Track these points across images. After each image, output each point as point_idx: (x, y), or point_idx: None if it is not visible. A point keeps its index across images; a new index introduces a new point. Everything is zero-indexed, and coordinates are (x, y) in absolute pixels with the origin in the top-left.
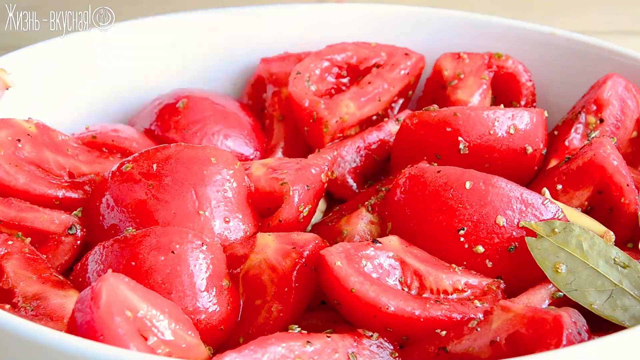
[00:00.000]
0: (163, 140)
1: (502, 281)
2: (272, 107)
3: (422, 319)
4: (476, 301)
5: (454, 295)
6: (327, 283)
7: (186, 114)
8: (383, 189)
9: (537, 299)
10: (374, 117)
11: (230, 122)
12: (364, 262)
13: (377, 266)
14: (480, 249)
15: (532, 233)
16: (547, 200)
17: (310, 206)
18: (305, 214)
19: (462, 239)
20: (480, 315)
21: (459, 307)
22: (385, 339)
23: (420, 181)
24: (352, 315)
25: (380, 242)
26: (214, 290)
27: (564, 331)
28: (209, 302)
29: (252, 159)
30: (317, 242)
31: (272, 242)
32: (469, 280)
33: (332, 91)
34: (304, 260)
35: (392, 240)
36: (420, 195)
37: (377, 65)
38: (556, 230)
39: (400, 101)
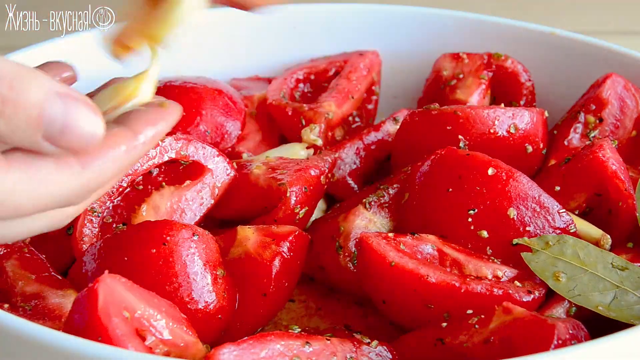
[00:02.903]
0: None
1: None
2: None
3: (462, 291)
4: (516, 281)
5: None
6: (367, 265)
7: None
8: (382, 187)
9: (554, 315)
10: (351, 118)
11: (205, 97)
12: (402, 246)
13: (415, 250)
14: (485, 233)
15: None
16: (564, 210)
17: (307, 208)
18: (301, 216)
19: (470, 219)
20: (525, 297)
21: (501, 283)
22: (385, 347)
23: (448, 158)
24: (393, 297)
25: (417, 234)
26: (209, 279)
27: (553, 341)
28: (205, 290)
29: (232, 130)
30: (296, 233)
31: (252, 235)
32: (506, 271)
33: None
34: (283, 251)
35: (429, 235)
36: (444, 170)
37: (337, 72)
38: (550, 243)
39: (374, 99)
